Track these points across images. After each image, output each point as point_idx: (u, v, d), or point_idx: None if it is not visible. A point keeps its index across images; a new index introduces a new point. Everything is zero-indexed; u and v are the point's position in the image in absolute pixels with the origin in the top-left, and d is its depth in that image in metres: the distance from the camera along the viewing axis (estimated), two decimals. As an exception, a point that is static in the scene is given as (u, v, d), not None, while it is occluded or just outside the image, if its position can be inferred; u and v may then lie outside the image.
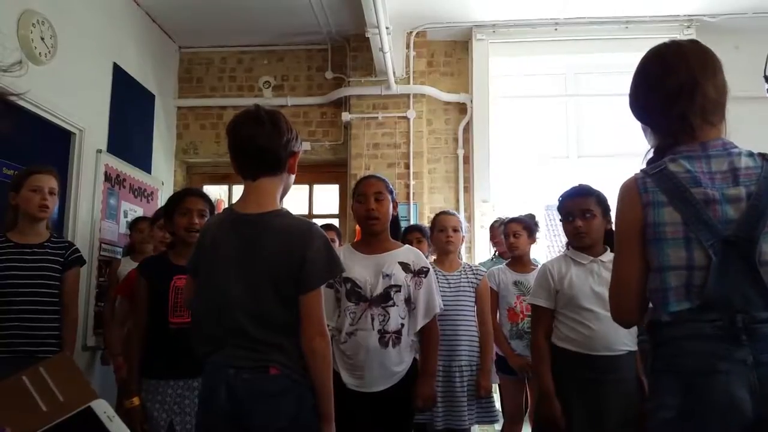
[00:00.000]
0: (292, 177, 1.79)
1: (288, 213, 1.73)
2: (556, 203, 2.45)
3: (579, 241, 2.33)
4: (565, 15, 4.62)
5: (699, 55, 1.34)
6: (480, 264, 3.71)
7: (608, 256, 2.29)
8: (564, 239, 2.50)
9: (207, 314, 1.69)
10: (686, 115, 1.31)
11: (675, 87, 1.32)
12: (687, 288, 1.24)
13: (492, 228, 3.89)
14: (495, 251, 3.90)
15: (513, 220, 3.32)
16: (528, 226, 3.28)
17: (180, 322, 2.31)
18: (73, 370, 1.01)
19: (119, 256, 4.01)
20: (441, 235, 2.96)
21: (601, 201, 2.32)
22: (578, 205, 2.32)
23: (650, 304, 1.34)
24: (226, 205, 4.76)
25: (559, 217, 2.41)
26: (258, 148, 1.68)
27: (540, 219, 3.58)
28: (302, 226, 1.69)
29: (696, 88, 1.30)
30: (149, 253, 3.48)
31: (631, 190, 1.31)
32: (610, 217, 2.32)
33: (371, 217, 2.28)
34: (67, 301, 2.68)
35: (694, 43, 1.38)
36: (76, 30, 3.67)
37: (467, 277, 2.90)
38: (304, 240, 1.62)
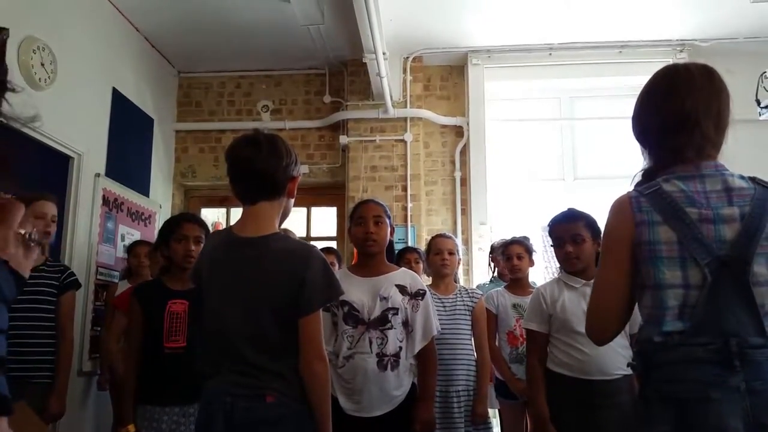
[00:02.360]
0: (292, 201, 1.79)
1: (286, 236, 1.73)
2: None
3: (570, 266, 2.33)
4: (560, 40, 4.68)
5: (707, 86, 1.32)
6: (478, 286, 3.70)
7: None
8: (557, 263, 2.51)
9: (207, 337, 1.70)
10: (682, 149, 1.30)
11: (675, 118, 1.31)
12: (681, 308, 1.23)
13: (492, 249, 3.87)
14: (494, 273, 3.88)
15: (514, 241, 3.28)
16: (528, 248, 3.27)
17: (175, 347, 2.29)
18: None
19: (116, 280, 4.00)
20: (436, 258, 2.95)
21: (590, 224, 2.32)
22: (568, 231, 2.31)
23: (641, 322, 1.32)
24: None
25: (550, 243, 2.42)
26: (256, 173, 1.68)
27: (537, 241, 3.57)
28: (301, 248, 1.69)
29: (696, 127, 1.29)
30: (147, 277, 3.47)
31: (624, 206, 1.30)
32: (600, 240, 2.32)
33: (369, 239, 2.28)
34: (63, 325, 2.67)
35: (705, 71, 1.35)
36: (76, 56, 3.71)
37: (463, 300, 2.89)
38: (303, 262, 1.62)
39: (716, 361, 1.18)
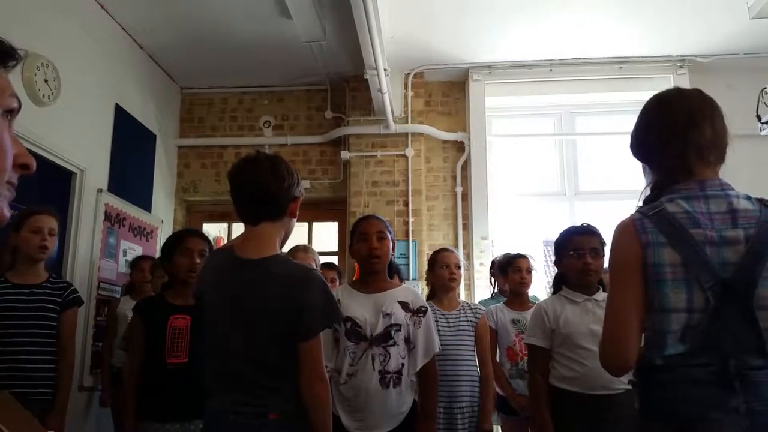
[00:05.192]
0: (294, 221, 1.80)
1: (287, 259, 1.73)
2: (558, 239, 2.46)
3: (586, 278, 2.34)
4: (560, 56, 4.71)
5: (698, 101, 1.37)
6: (480, 302, 3.68)
7: (601, 296, 2.30)
8: (559, 277, 2.50)
9: (209, 356, 1.71)
10: (682, 153, 1.32)
11: (672, 126, 1.34)
12: (684, 331, 1.22)
13: (493, 265, 3.87)
14: (494, 289, 3.87)
15: (521, 256, 3.30)
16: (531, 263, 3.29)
17: (177, 362, 2.28)
18: (14, 406, 1.00)
19: (118, 295, 3.99)
20: (444, 272, 2.92)
21: (602, 243, 2.36)
22: (589, 243, 2.35)
23: (641, 345, 1.30)
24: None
25: (554, 254, 2.43)
26: (258, 193, 1.70)
27: (539, 255, 3.58)
28: (302, 272, 1.69)
29: (692, 128, 1.32)
30: (149, 292, 3.47)
31: (628, 229, 1.29)
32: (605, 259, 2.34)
33: (374, 255, 2.27)
34: (64, 342, 2.65)
35: (696, 92, 1.40)
36: (79, 72, 3.74)
37: (466, 316, 2.88)
38: (304, 286, 1.63)
39: (716, 382, 1.17)
